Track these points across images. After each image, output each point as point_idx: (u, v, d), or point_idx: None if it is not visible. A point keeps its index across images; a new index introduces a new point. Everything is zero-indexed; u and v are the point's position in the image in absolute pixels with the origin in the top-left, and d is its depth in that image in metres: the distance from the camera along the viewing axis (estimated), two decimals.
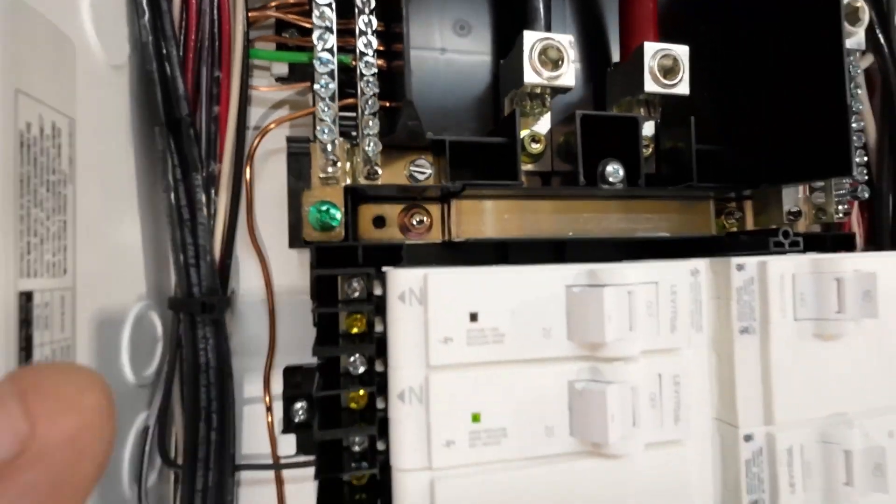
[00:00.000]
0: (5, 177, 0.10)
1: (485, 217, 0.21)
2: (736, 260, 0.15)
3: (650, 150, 0.23)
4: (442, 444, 0.12)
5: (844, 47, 0.19)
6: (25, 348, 0.11)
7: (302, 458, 0.19)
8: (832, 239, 0.24)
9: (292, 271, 0.21)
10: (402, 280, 0.12)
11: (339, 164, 0.17)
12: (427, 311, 0.12)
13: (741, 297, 0.15)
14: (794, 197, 0.23)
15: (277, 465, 0.19)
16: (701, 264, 0.15)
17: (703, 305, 0.15)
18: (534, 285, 0.13)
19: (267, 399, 0.20)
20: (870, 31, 0.25)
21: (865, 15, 0.21)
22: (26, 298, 0.11)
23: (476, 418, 0.12)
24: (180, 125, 0.16)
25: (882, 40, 0.24)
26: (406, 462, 0.12)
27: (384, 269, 0.13)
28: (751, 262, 0.15)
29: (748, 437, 0.15)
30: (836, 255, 0.15)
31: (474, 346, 0.12)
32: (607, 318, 0.12)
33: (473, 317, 0.12)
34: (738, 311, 0.15)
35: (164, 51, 0.16)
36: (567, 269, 0.13)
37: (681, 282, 0.14)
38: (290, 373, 0.21)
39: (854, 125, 0.23)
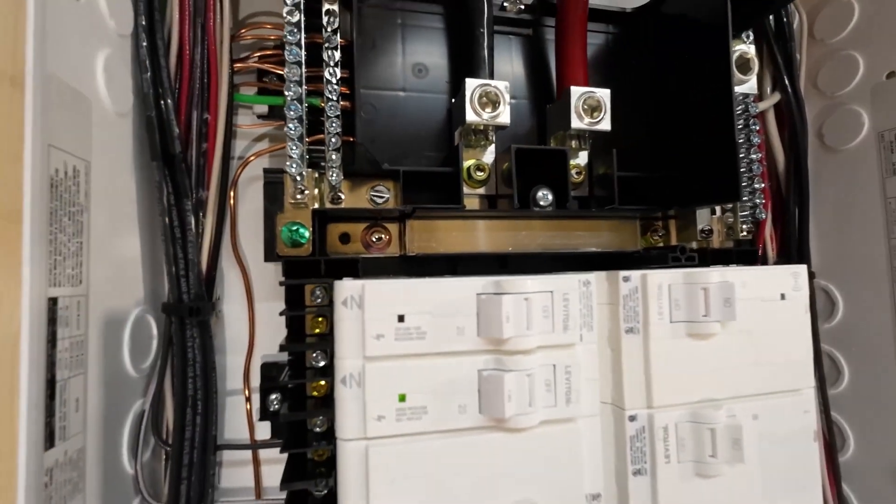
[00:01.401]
0: (41, 212, 0.13)
1: (436, 234, 0.24)
2: (622, 273, 0.18)
3: (583, 176, 0.26)
4: (374, 419, 0.15)
5: (733, 94, 0.23)
6: (51, 341, 0.14)
7: (275, 441, 0.23)
8: (737, 254, 0.27)
9: (269, 281, 0.24)
10: (345, 289, 0.16)
11: (306, 191, 0.21)
12: (364, 313, 0.16)
13: (627, 303, 0.18)
14: (707, 217, 0.27)
15: (253, 446, 0.23)
16: (592, 276, 0.18)
17: (595, 310, 0.18)
18: (450, 293, 0.16)
19: (246, 391, 0.23)
20: (778, 72, 0.28)
21: (755, 65, 0.25)
22: (53, 303, 0.14)
23: (402, 398, 0.16)
24: (174, 160, 0.20)
25: (787, 81, 0.28)
26: (347, 433, 0.16)
27: (334, 281, 0.17)
28: (635, 274, 0.18)
29: (633, 418, 0.18)
30: (704, 269, 0.19)
31: (401, 341, 0.16)
32: (505, 319, 0.16)
33: (401, 318, 0.16)
34: (624, 315, 0.18)
35: (162, 100, 0.19)
36: (478, 280, 0.16)
37: (573, 291, 0.17)
38: (267, 367, 0.24)
39: (754, 156, 0.26)
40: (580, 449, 0.17)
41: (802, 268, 0.20)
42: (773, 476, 0.19)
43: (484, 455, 0.16)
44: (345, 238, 0.24)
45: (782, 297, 0.20)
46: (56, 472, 0.14)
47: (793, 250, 0.28)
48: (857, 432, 0.27)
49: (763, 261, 0.29)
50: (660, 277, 0.18)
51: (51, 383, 0.14)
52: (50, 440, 0.14)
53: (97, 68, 0.17)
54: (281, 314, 0.20)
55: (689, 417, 0.18)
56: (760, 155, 0.26)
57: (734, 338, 0.19)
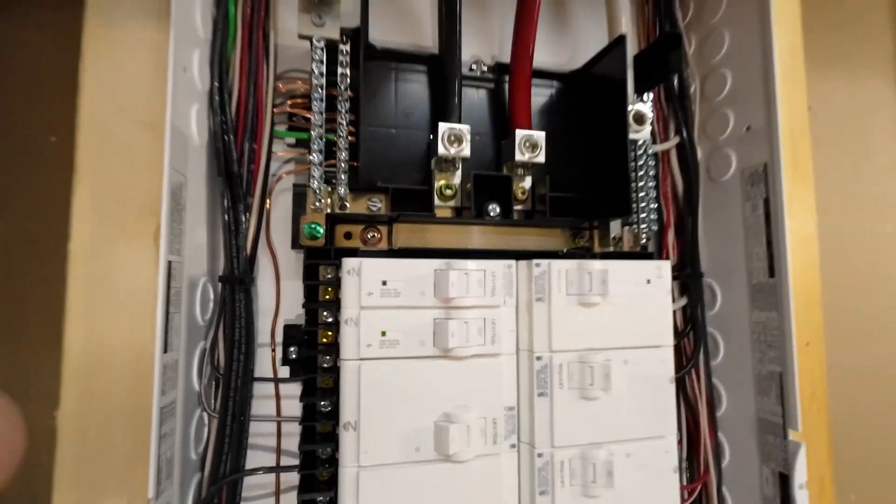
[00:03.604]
0: (169, 208, 0.22)
1: (415, 235, 0.33)
2: (535, 261, 0.27)
3: (527, 195, 0.35)
4: (365, 346, 0.24)
5: (628, 138, 0.32)
6: (167, 287, 0.23)
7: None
8: (639, 255, 0.36)
9: (292, 265, 0.33)
10: (349, 263, 0.25)
11: (322, 200, 0.30)
12: (360, 279, 0.24)
13: (537, 281, 0.27)
14: (618, 228, 0.36)
15: (276, 380, 0.31)
16: (514, 262, 0.27)
17: (514, 285, 0.27)
18: (417, 268, 0.25)
19: (272, 344, 0.32)
20: (679, 123, 0.38)
21: (648, 120, 0.34)
22: (169, 264, 0.23)
23: (383, 334, 0.24)
24: (232, 176, 0.29)
25: (685, 129, 0.37)
26: (347, 355, 0.24)
27: (343, 258, 0.25)
28: (544, 262, 0.27)
29: (539, 358, 0.27)
30: (591, 260, 0.28)
31: (384, 297, 0.24)
32: (451, 286, 0.24)
33: (384, 283, 0.24)
34: (535, 289, 0.27)
35: (225, 135, 0.28)
36: (436, 261, 0.25)
37: (499, 270, 0.26)
38: (289, 328, 0.33)
39: (651, 183, 0.35)
40: (501, 375, 0.26)
41: (665, 263, 0.29)
42: (640, 405, 0.28)
43: (436, 374, 0.25)
44: (348, 235, 0.33)
45: (648, 281, 0.29)
46: (168, 369, 0.23)
47: (687, 256, 0.37)
48: (729, 393, 0.35)
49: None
50: (560, 265, 0.27)
51: (166, 313, 0.23)
52: (165, 348, 0.22)
53: (192, 115, 0.26)
54: (305, 283, 0.29)
55: (577, 359, 0.27)
56: (654, 183, 0.35)
57: (611, 308, 0.28)
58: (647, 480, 0.27)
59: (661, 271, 0.29)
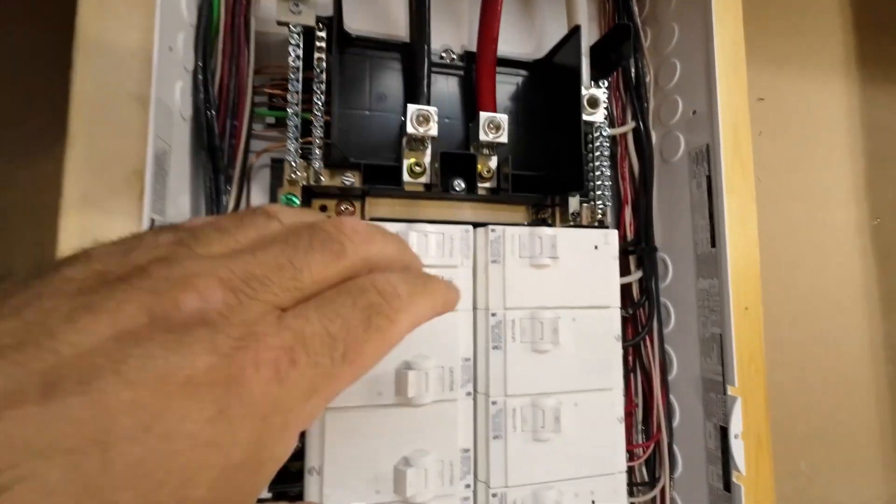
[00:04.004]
0: (152, 171, 0.25)
1: (387, 209, 0.36)
2: (490, 227, 0.30)
3: (492, 174, 0.38)
4: None
5: (582, 121, 0.35)
6: None
7: None
8: (595, 228, 0.39)
9: None
10: None
11: (299, 173, 0.32)
12: None
13: (493, 245, 0.30)
14: (577, 204, 0.38)
15: None
16: (470, 227, 0.30)
17: (471, 248, 0.29)
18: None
19: None
20: (634, 109, 0.41)
21: (601, 104, 0.37)
22: (153, 221, 0.25)
23: None
24: (214, 149, 0.31)
25: (640, 115, 0.40)
26: None
27: None
28: (499, 228, 0.30)
29: (493, 314, 0.29)
30: (541, 227, 0.30)
31: None
32: (411, 245, 0.27)
33: None
34: (490, 252, 0.30)
35: (209, 112, 0.31)
36: (398, 224, 0.28)
37: (457, 234, 0.29)
38: None
39: (605, 163, 0.38)
40: (458, 329, 0.28)
41: (612, 232, 0.32)
42: (587, 359, 0.30)
43: None
44: (323, 208, 0.35)
45: (596, 247, 0.31)
46: None
47: (642, 232, 0.40)
48: (679, 357, 0.38)
49: (623, 238, 0.41)
50: (513, 230, 0.30)
51: None
52: None
53: (176, 91, 0.28)
54: None
55: (528, 315, 0.29)
56: (609, 163, 0.38)
57: (560, 270, 0.30)
58: (594, 428, 0.30)
59: (607, 238, 0.32)
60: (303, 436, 0.27)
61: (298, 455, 0.28)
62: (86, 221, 0.23)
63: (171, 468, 0.09)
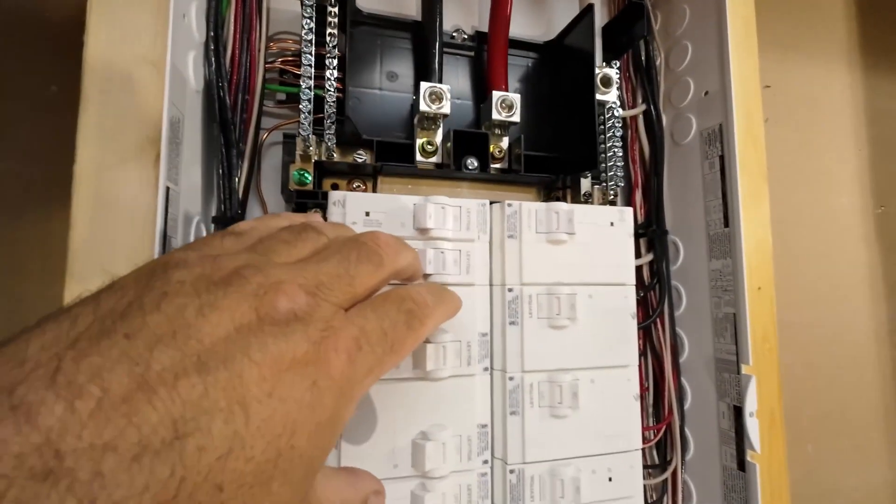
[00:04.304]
0: (167, 138, 0.24)
1: (398, 188, 0.35)
2: (507, 202, 0.29)
3: (503, 154, 0.38)
4: None
5: (596, 101, 0.34)
6: (164, 212, 0.25)
7: None
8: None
9: (280, 210, 0.35)
10: (335, 196, 0.27)
11: (311, 147, 0.32)
12: (345, 210, 0.26)
13: (509, 220, 0.29)
14: (588, 185, 0.38)
15: None
16: (486, 202, 0.29)
17: (488, 223, 0.29)
18: (397, 202, 0.27)
19: None
20: (646, 91, 0.40)
21: (615, 82, 0.37)
22: (167, 190, 0.25)
23: None
24: (227, 123, 0.30)
25: (651, 97, 0.40)
26: None
27: (329, 191, 0.27)
28: (515, 203, 0.30)
29: (511, 290, 0.29)
30: (557, 202, 0.30)
31: (367, 227, 0.26)
32: (428, 217, 0.27)
33: (367, 213, 0.27)
34: (507, 227, 0.29)
35: (221, 84, 0.30)
36: (416, 197, 0.27)
37: (474, 208, 0.29)
38: None
39: (618, 143, 0.38)
40: (475, 303, 0.28)
41: (627, 209, 0.32)
42: (603, 336, 0.30)
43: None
44: (335, 186, 0.35)
45: (612, 224, 0.31)
46: None
47: (653, 215, 0.40)
48: (690, 340, 0.38)
49: (634, 221, 0.40)
50: (530, 205, 0.30)
51: (164, 234, 0.24)
52: None
53: (189, 61, 0.28)
54: None
55: (545, 291, 0.29)
56: (621, 143, 0.38)
57: (577, 246, 0.30)
58: (610, 404, 0.30)
59: (623, 215, 0.31)
60: None
61: None
62: (100, 189, 0.23)
63: (285, 422, 0.12)
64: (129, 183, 0.23)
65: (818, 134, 0.51)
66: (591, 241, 0.30)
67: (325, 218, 0.29)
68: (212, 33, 0.30)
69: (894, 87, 0.53)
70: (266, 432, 0.12)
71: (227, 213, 0.31)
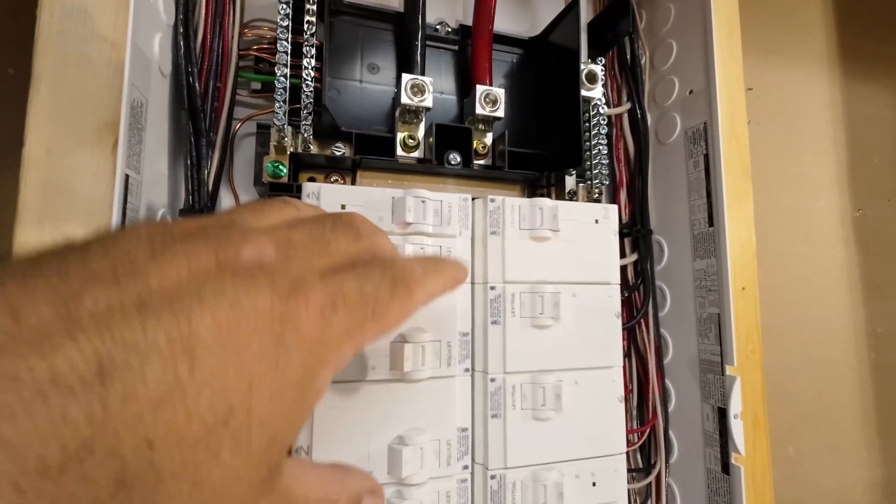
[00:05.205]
0: (127, 123, 0.23)
1: (377, 181, 0.34)
2: (490, 197, 0.29)
3: (487, 150, 0.37)
4: None
5: (581, 97, 0.34)
6: (123, 202, 0.23)
7: None
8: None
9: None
10: (309, 188, 0.25)
11: (287, 138, 0.30)
12: (319, 202, 0.25)
13: (492, 216, 0.28)
14: (573, 182, 0.37)
15: None
16: (468, 196, 0.28)
17: (470, 218, 0.28)
18: (375, 195, 0.26)
19: None
20: (630, 90, 0.40)
21: (600, 79, 0.36)
22: (126, 178, 0.23)
23: None
24: (196, 111, 0.29)
25: (635, 96, 0.40)
26: None
27: (302, 183, 0.26)
28: (499, 198, 0.29)
29: (493, 288, 0.28)
30: (541, 198, 0.29)
31: None
32: (408, 211, 0.25)
33: (343, 206, 0.25)
34: (490, 223, 0.28)
35: (190, 69, 0.29)
36: (395, 190, 0.26)
37: (455, 202, 0.27)
38: None
39: (603, 142, 0.37)
40: (454, 300, 0.27)
41: (612, 207, 0.31)
42: (587, 336, 0.29)
43: None
44: (311, 180, 0.33)
45: (596, 221, 0.30)
46: None
47: (638, 214, 0.40)
48: (675, 341, 0.38)
49: (619, 221, 0.40)
50: (513, 201, 0.29)
51: (122, 225, 0.23)
52: None
53: (155, 43, 0.26)
54: None
55: (528, 290, 0.28)
56: (606, 141, 0.37)
57: (561, 243, 0.29)
58: (594, 407, 0.29)
59: (608, 213, 0.31)
60: None
61: None
62: (51, 175, 0.21)
63: (240, 378, 0.11)
64: (84, 169, 0.22)
65: (798, 137, 0.52)
66: (575, 239, 0.30)
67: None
68: (181, 16, 0.28)
69: (871, 92, 0.54)
70: (215, 386, 0.10)
71: (196, 206, 0.29)
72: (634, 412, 0.39)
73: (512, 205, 0.28)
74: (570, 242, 0.29)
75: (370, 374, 0.25)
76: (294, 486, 0.13)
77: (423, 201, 0.26)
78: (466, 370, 0.27)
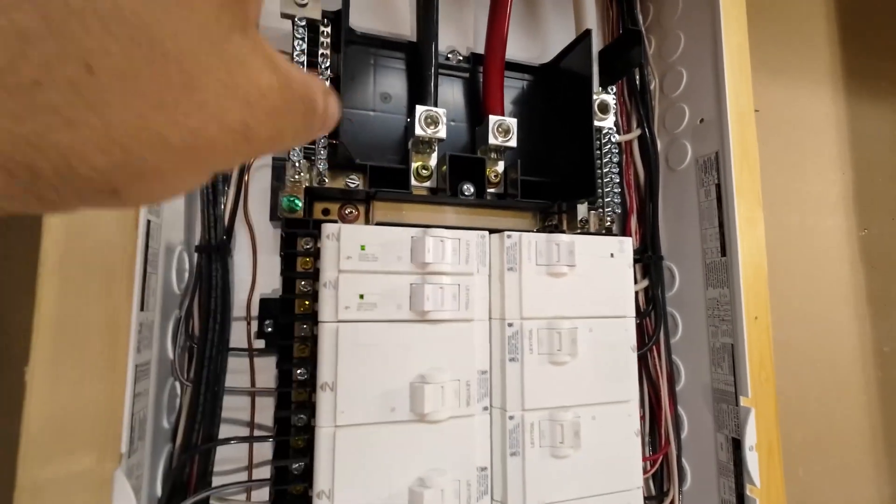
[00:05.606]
0: None
1: (392, 213, 0.34)
2: (507, 233, 0.29)
3: (499, 179, 0.37)
4: (343, 308, 0.25)
5: (594, 127, 0.34)
6: (145, 247, 0.23)
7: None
8: (604, 235, 0.38)
9: (268, 240, 0.33)
10: (329, 228, 0.25)
11: (302, 174, 0.30)
12: (339, 244, 0.25)
13: (509, 252, 0.28)
14: (585, 211, 0.38)
15: (250, 351, 0.31)
16: (486, 233, 0.28)
17: (487, 255, 0.28)
18: (394, 235, 0.26)
19: (248, 317, 0.32)
20: (640, 116, 0.40)
21: (612, 109, 0.36)
22: (148, 223, 0.23)
23: (361, 297, 0.25)
24: None
25: (645, 123, 0.40)
26: (325, 317, 0.25)
27: (322, 224, 0.26)
28: (515, 234, 0.29)
29: (510, 325, 0.28)
30: (558, 234, 0.29)
31: (362, 262, 0.25)
32: (427, 251, 0.25)
33: (363, 247, 0.25)
34: (506, 259, 0.28)
35: None
36: (413, 229, 0.26)
37: (473, 240, 0.28)
38: (265, 302, 0.33)
39: (615, 170, 0.38)
40: (474, 340, 0.27)
41: (627, 239, 0.31)
42: (604, 371, 0.29)
43: (412, 337, 0.26)
44: (326, 212, 0.33)
45: (612, 255, 0.30)
46: (144, 328, 0.23)
47: (648, 240, 0.40)
48: (687, 368, 0.38)
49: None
50: (530, 237, 0.29)
51: (144, 270, 0.23)
52: (142, 306, 0.22)
53: None
54: (280, 254, 0.29)
55: (545, 326, 0.28)
56: (618, 169, 0.37)
57: (577, 278, 0.29)
58: (611, 442, 0.29)
59: (623, 246, 0.31)
60: (311, 456, 0.25)
61: (305, 476, 0.26)
62: (73, 222, 0.21)
63: (138, 14, 0.09)
64: (106, 216, 0.22)
65: (804, 157, 0.52)
66: (591, 273, 0.30)
67: (317, 250, 0.28)
68: None
69: (876, 110, 0.55)
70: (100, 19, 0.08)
71: (213, 241, 0.29)
72: (647, 438, 0.39)
73: (528, 241, 0.29)
74: (586, 277, 0.29)
75: (390, 416, 0.25)
76: (265, 45, 0.12)
77: (441, 241, 0.26)
78: (485, 408, 0.27)
